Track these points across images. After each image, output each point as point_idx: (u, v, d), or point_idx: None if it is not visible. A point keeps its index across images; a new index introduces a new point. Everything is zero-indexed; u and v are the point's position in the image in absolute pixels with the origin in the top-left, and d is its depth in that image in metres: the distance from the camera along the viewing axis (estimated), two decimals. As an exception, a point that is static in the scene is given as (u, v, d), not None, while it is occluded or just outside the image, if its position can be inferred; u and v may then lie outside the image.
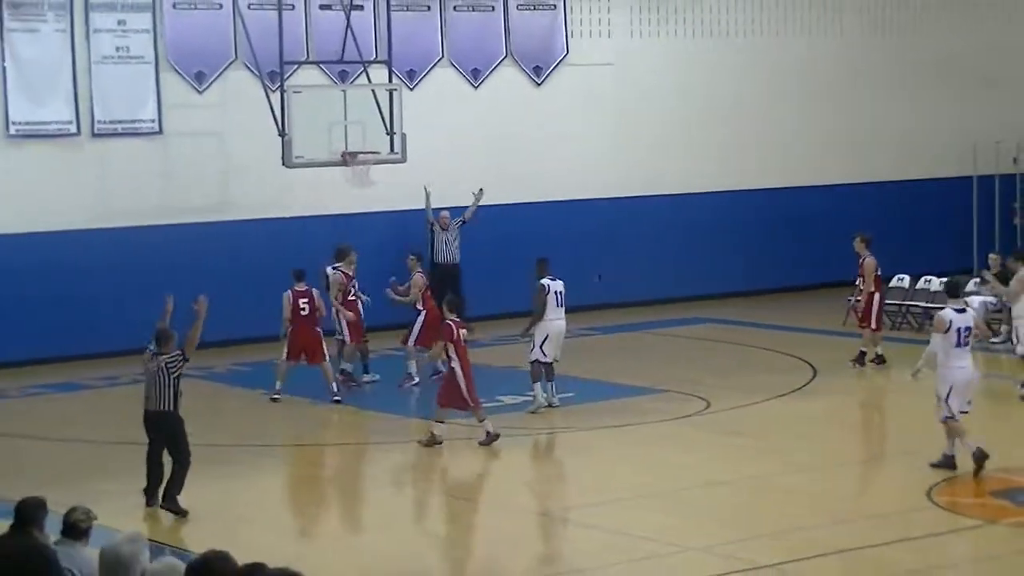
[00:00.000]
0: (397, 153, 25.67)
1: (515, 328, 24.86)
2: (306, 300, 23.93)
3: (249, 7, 28.17)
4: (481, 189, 29.28)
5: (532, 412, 22.53)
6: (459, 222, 29.57)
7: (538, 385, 22.59)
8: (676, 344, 29.31)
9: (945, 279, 23.04)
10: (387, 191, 27.85)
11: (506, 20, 31.64)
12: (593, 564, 16.09)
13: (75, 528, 11.03)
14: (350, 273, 24.86)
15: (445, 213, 29.63)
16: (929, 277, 30.37)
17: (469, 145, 30.73)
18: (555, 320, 22.77)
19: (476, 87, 31.44)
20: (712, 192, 33.53)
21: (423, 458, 20.73)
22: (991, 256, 30.53)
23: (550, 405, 22.73)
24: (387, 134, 25.61)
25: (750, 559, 15.71)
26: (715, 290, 32.73)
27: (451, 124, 30.35)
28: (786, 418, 22.84)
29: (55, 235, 27.31)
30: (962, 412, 18.54)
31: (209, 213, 28.52)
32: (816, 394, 24.31)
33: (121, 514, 17.07)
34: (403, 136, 25.64)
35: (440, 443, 20.54)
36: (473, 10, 31.34)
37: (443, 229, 29.71)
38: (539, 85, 32.06)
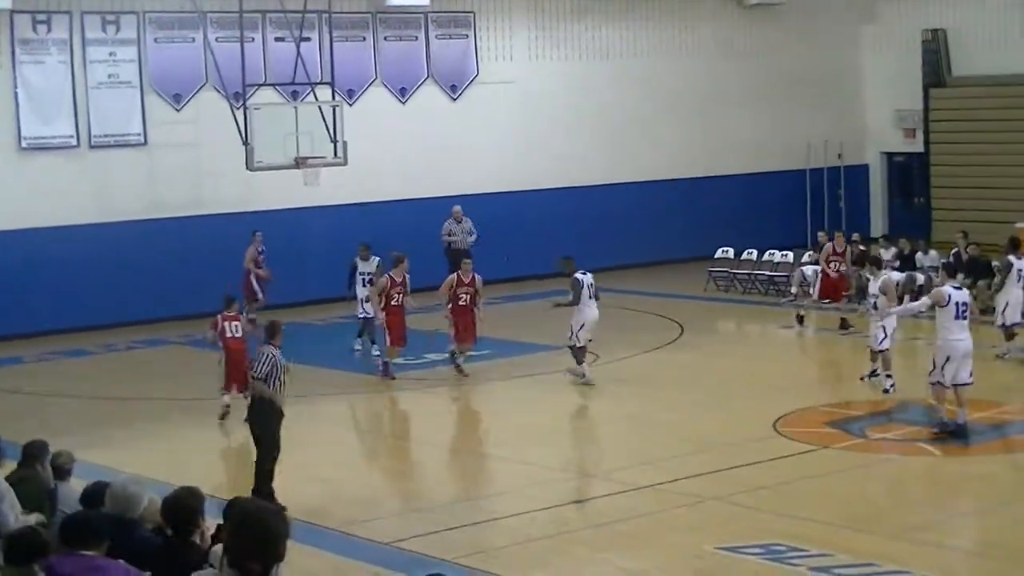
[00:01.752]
0: (340, 158, 25.68)
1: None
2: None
3: (217, 40, 28.08)
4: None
5: (581, 383, 21.22)
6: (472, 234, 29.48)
7: (584, 365, 21.30)
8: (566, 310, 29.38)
9: (944, 260, 23.27)
10: (333, 189, 27.90)
11: (427, 47, 31.68)
12: (506, 488, 16.30)
13: (60, 469, 11.12)
14: (398, 279, 22.22)
15: (457, 208, 29.45)
16: (773, 251, 30.79)
17: (398, 150, 30.81)
18: (590, 309, 21.47)
19: (404, 103, 31.46)
20: (599, 185, 33.72)
21: (366, 406, 20.87)
22: (820, 233, 30.99)
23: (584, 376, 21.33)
24: (331, 142, 25.61)
25: (632, 481, 15.92)
26: (604, 263, 32.88)
27: (383, 133, 30.37)
28: (660, 367, 23.05)
29: (61, 229, 27.19)
30: (964, 384, 17.45)
31: (187, 209, 28.45)
32: (683, 347, 24.58)
33: (125, 455, 17.18)
34: (344, 144, 25.66)
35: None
36: (400, 39, 31.37)
37: (457, 222, 29.43)
38: (455, 100, 32.14)
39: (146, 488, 9.22)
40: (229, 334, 19.85)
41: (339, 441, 19.07)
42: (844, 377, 22.26)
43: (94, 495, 9.32)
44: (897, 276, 27.73)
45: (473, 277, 22.30)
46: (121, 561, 7.84)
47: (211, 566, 7.14)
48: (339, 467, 17.64)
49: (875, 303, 20.18)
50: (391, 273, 22.49)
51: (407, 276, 22.47)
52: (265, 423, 15.45)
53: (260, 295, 26.59)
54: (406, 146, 30.94)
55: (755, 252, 30.98)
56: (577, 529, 14.53)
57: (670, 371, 22.74)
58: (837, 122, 36.85)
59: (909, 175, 37.83)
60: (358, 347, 24.54)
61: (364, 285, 24.05)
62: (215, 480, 16.49)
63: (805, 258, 29.56)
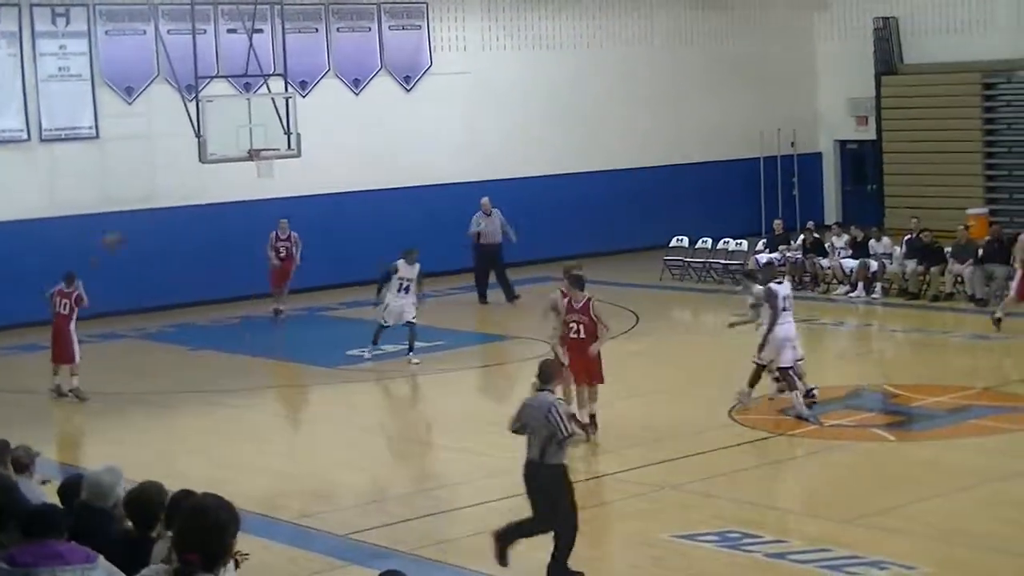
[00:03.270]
0: (293, 149, 25.55)
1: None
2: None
3: (168, 32, 27.92)
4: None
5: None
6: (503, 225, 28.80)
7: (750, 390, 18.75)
8: (529, 298, 29.44)
9: (768, 261, 22.87)
10: (287, 181, 27.77)
11: (380, 38, 31.58)
12: (464, 479, 16.29)
13: (18, 464, 11.06)
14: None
15: (485, 199, 28.86)
16: (727, 239, 30.88)
17: (352, 142, 30.70)
18: (785, 325, 18.28)
19: (357, 94, 31.38)
20: (552, 175, 33.72)
21: (320, 398, 20.80)
22: (776, 221, 31.19)
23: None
24: (285, 134, 25.47)
25: (588, 471, 15.96)
26: (558, 252, 32.86)
27: (337, 125, 30.28)
28: (616, 356, 23.06)
29: (11, 224, 27.00)
30: (787, 367, 17.74)
31: (140, 203, 28.27)
32: (639, 336, 24.62)
33: (90, 448, 17.09)
34: (298, 135, 25.53)
35: None
36: (353, 30, 31.27)
37: (486, 214, 28.64)
38: (409, 91, 32.07)
39: (120, 477, 9.20)
40: (56, 309, 20.91)
41: (294, 433, 19.02)
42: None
43: (71, 488, 9.30)
44: (851, 263, 27.99)
45: (587, 302, 17.16)
46: (77, 544, 7.82)
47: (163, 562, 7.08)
48: (294, 459, 17.59)
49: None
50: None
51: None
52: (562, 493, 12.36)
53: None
54: (360, 137, 30.86)
55: (710, 241, 31.06)
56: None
57: (626, 360, 22.76)
58: (790, 110, 36.97)
59: (862, 162, 38.00)
60: (368, 354, 22.90)
61: (401, 291, 22.68)
62: (167, 473, 16.35)
63: (759, 245, 29.72)
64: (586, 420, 17.02)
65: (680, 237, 31.44)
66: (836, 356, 23.87)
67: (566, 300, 17.24)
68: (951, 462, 15.99)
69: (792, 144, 36.69)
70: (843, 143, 38.39)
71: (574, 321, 17.08)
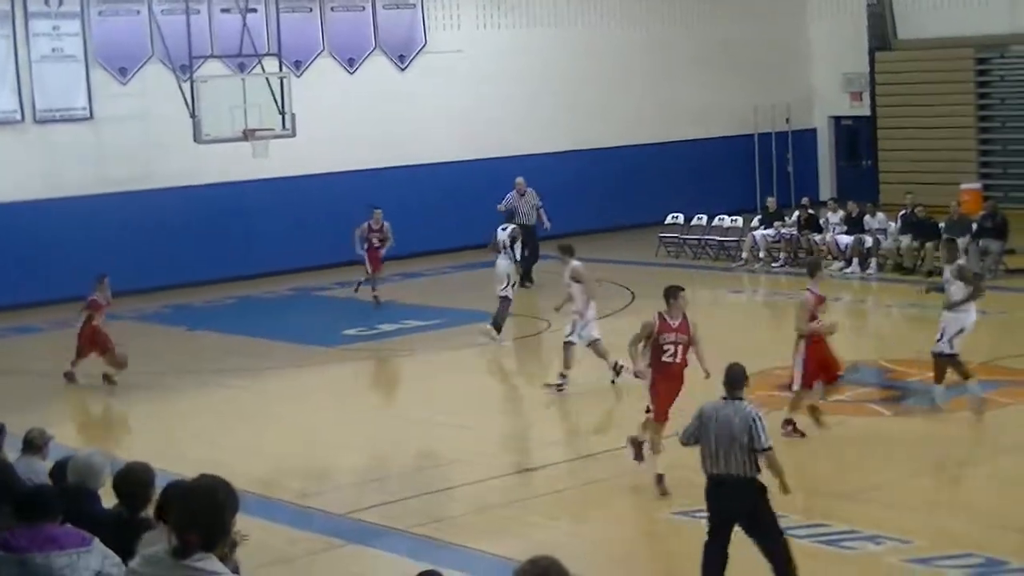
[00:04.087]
0: (288, 129, 25.59)
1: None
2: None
3: (162, 12, 27.86)
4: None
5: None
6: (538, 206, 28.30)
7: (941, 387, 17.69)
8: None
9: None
10: (282, 161, 27.74)
11: (375, 17, 31.52)
12: (461, 457, 16.26)
13: (31, 444, 11.13)
14: None
15: (520, 179, 28.11)
16: (722, 216, 30.87)
17: (346, 121, 30.63)
18: (970, 312, 17.33)
19: (352, 73, 31.33)
20: (548, 153, 33.62)
21: (316, 378, 20.80)
22: (769, 198, 31.20)
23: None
24: (279, 114, 25.53)
25: (587, 448, 15.97)
26: (554, 231, 32.74)
27: (332, 104, 30.22)
28: (613, 333, 23.02)
29: (7, 206, 26.95)
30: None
31: (135, 183, 28.21)
32: (635, 313, 24.46)
33: (90, 432, 17.09)
34: (293, 115, 25.56)
35: None
36: (347, 10, 31.21)
37: (520, 195, 27.83)
38: (403, 70, 32.02)
39: (108, 460, 9.19)
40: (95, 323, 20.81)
41: (290, 414, 19.00)
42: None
43: (61, 469, 9.33)
44: (845, 239, 28.00)
45: (684, 320, 14.90)
46: (73, 527, 7.82)
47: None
48: (293, 440, 17.59)
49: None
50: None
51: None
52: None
53: (368, 270, 25.98)
54: (355, 117, 30.81)
55: (705, 217, 31.06)
56: (532, 496, 14.55)
57: (622, 337, 22.72)
58: (784, 86, 36.94)
59: (856, 138, 37.99)
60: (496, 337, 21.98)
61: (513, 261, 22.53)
62: (167, 455, 16.38)
63: (754, 222, 29.72)
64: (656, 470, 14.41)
65: (675, 214, 31.45)
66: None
67: (661, 321, 14.82)
68: (946, 437, 16.02)
69: (787, 120, 36.69)
70: (837, 119, 38.37)
71: (670, 343, 14.74)
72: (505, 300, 22.09)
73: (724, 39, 36.26)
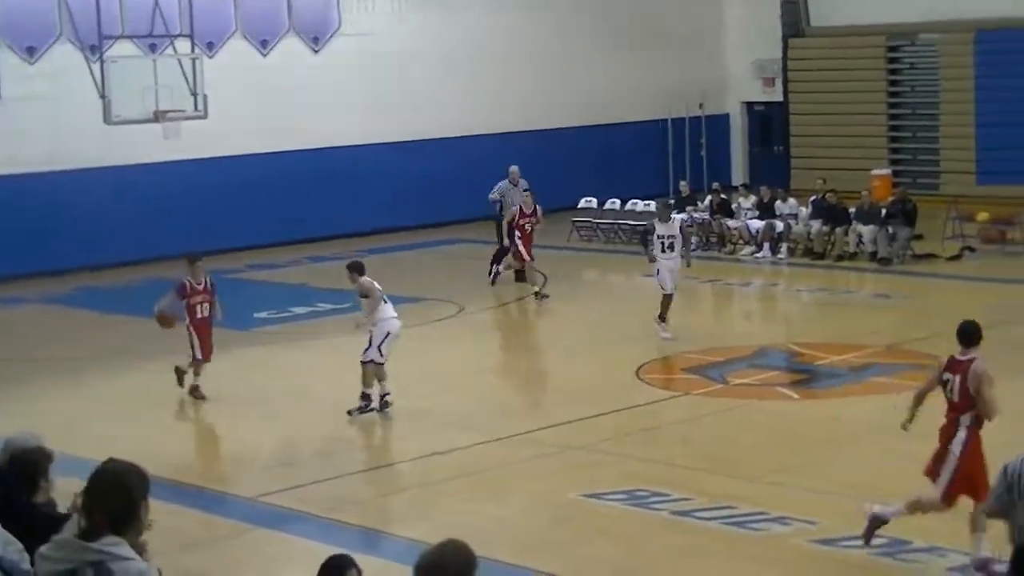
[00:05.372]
0: (200, 111, 25.43)
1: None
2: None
3: (71, -9, 27.58)
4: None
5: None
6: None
7: None
8: (436, 261, 29.55)
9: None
10: (194, 143, 27.49)
11: (289, -1, 31.42)
12: (373, 441, 16.34)
13: None
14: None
15: (514, 168, 27.00)
16: (635, 200, 31.08)
17: (260, 103, 30.45)
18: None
19: (265, 55, 31.16)
20: (461, 137, 33.64)
21: (243, 361, 20.71)
22: (682, 183, 31.48)
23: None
24: (192, 95, 25.35)
25: (499, 430, 16.01)
26: (467, 215, 32.92)
27: (245, 86, 30.00)
28: (525, 317, 23.24)
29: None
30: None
31: (43, 164, 27.84)
32: (548, 297, 24.72)
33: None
34: (205, 97, 25.39)
35: None
36: (261, -10, 31.06)
37: (513, 184, 26.58)
38: (317, 52, 31.90)
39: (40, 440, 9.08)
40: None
41: (207, 398, 18.89)
42: (705, 324, 22.57)
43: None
44: (757, 224, 28.32)
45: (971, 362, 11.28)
46: None
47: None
48: (206, 424, 17.54)
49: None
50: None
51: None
52: None
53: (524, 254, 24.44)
54: (268, 99, 30.63)
55: (618, 202, 31.25)
56: (443, 479, 14.59)
57: (535, 321, 22.92)
58: (698, 72, 37.19)
59: (769, 124, 38.35)
60: (666, 334, 20.50)
61: (664, 250, 20.83)
62: (78, 439, 16.25)
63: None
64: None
65: (588, 198, 31.62)
66: (742, 316, 24.17)
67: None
68: (853, 419, 16.27)
69: (700, 106, 36.94)
70: (750, 105, 38.72)
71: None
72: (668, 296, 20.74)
73: (639, 24, 36.40)
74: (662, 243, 20.83)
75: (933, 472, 11.56)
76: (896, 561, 11.68)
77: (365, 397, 16.73)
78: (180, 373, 18.19)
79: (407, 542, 12.23)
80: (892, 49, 35.61)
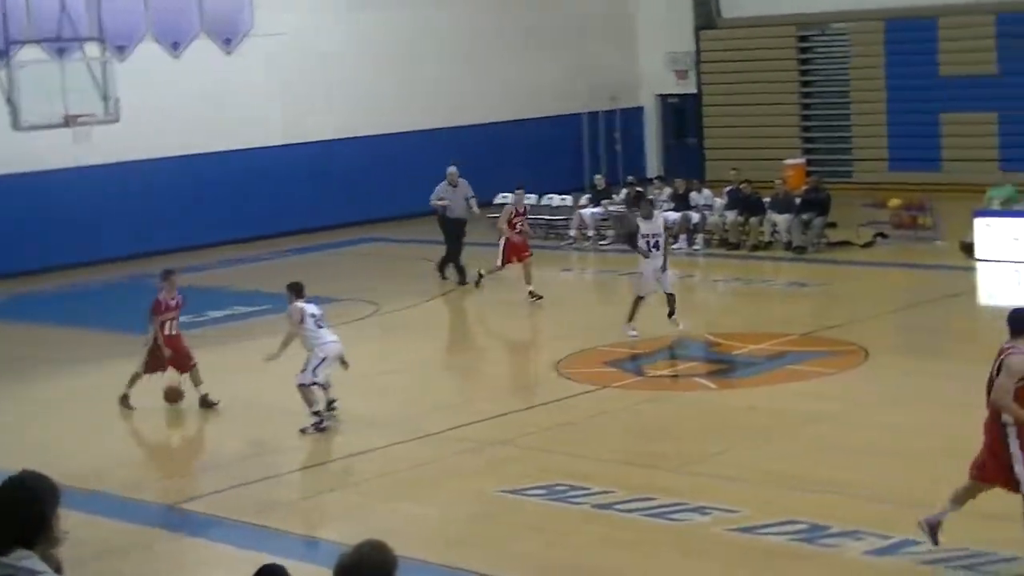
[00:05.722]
0: (112, 114, 25.21)
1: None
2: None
3: (-25, -5, 27.19)
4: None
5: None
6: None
7: None
8: (349, 261, 29.41)
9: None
10: (107, 147, 27.25)
11: (200, 0, 31.14)
12: (295, 443, 16.21)
13: None
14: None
15: (452, 169, 26.26)
16: (551, 195, 31.13)
17: (172, 105, 30.17)
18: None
19: (177, 57, 30.90)
20: (375, 135, 33.54)
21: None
22: (597, 177, 31.58)
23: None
24: (102, 99, 25.13)
25: (418, 429, 16.00)
26: (383, 213, 32.85)
27: (157, 89, 29.72)
28: (442, 314, 23.21)
29: None
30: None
31: (-47, 172, 27.57)
32: (464, 294, 24.71)
33: None
34: (116, 100, 25.17)
35: None
36: (171, -9, 30.79)
37: (452, 186, 25.94)
38: (230, 54, 31.68)
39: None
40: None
41: (112, 405, 18.69)
42: (622, 318, 22.61)
43: None
44: (672, 216, 28.43)
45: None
46: None
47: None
48: (123, 431, 17.35)
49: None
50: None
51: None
52: None
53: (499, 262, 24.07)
54: (180, 101, 30.36)
55: (534, 196, 31.23)
56: (365, 479, 14.57)
57: (452, 318, 22.91)
58: (611, 66, 37.33)
59: (682, 116, 38.55)
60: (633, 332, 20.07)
61: (650, 249, 20.19)
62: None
63: (583, 201, 30.06)
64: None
65: (504, 194, 31.55)
66: (659, 307, 24.19)
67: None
68: (770, 408, 16.40)
69: (613, 99, 37.06)
70: (664, 97, 38.91)
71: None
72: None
73: (551, 19, 36.49)
74: (647, 242, 20.14)
75: (984, 475, 10.66)
76: (815, 547, 11.78)
77: (316, 414, 16.42)
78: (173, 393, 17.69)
79: (327, 544, 12.19)
80: (803, 39, 35.95)
